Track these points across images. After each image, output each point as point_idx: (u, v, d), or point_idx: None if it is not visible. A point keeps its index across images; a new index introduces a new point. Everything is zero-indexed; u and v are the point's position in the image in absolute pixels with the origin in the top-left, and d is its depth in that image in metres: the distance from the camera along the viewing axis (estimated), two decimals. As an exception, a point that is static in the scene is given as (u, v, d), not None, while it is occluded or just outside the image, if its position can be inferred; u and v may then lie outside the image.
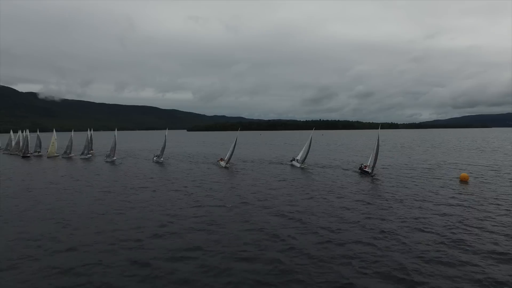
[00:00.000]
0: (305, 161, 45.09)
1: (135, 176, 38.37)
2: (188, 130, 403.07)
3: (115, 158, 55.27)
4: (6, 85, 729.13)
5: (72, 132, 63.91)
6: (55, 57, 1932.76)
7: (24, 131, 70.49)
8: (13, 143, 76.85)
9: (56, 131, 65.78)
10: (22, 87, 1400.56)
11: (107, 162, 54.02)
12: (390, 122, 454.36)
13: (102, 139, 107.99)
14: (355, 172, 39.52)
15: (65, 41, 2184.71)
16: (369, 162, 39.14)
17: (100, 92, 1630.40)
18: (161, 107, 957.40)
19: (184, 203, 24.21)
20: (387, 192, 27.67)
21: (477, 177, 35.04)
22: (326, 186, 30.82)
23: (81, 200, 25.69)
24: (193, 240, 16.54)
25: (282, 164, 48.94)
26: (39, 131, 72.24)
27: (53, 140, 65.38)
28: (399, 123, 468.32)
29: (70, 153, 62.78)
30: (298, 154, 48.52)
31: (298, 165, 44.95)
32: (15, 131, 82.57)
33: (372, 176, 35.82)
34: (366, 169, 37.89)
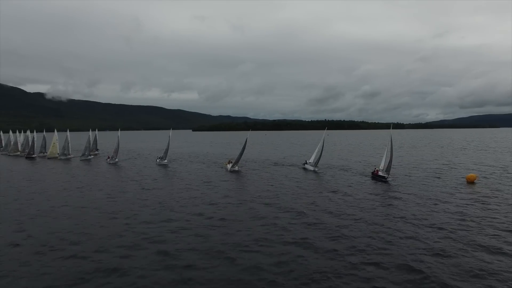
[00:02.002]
0: (318, 163, 42.56)
1: (134, 180, 36.15)
2: (193, 130, 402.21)
3: (117, 159, 53.61)
4: (14, 86, 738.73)
5: (68, 131, 61.99)
6: (62, 57, 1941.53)
7: (32, 131, 69.19)
8: (12, 143, 75.15)
9: (63, 131, 64.14)
10: (30, 88, 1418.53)
11: (110, 163, 52.35)
12: (396, 122, 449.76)
13: (106, 140, 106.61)
14: (368, 176, 36.67)
15: (72, 42, 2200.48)
16: (381, 165, 36.66)
17: (107, 92, 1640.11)
18: (166, 107, 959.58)
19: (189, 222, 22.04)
20: (405, 199, 25.06)
21: (485, 177, 34.23)
22: (342, 192, 28.21)
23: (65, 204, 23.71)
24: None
25: (294, 166, 46.39)
26: (46, 131, 70.84)
27: (54, 141, 63.93)
28: (405, 123, 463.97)
29: (68, 154, 61.05)
30: (311, 157, 45.97)
31: (311, 168, 42.39)
32: (14, 131, 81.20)
33: (388, 181, 33.17)
34: (380, 174, 35.36)
